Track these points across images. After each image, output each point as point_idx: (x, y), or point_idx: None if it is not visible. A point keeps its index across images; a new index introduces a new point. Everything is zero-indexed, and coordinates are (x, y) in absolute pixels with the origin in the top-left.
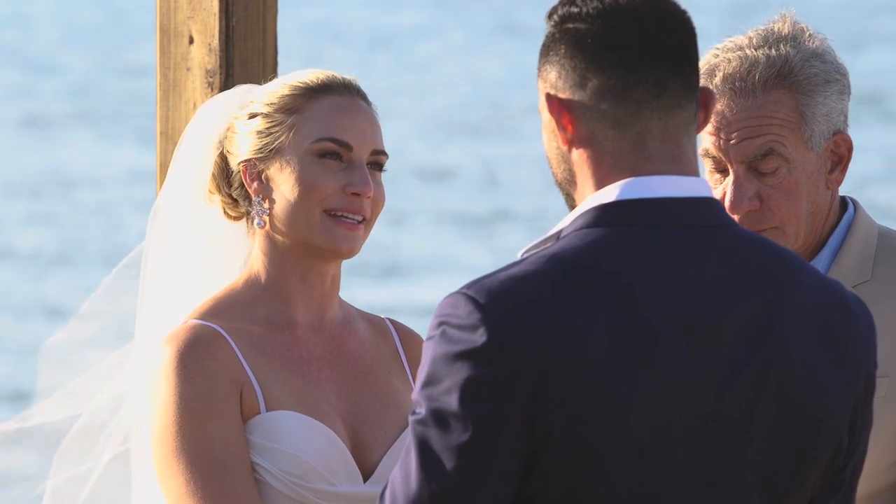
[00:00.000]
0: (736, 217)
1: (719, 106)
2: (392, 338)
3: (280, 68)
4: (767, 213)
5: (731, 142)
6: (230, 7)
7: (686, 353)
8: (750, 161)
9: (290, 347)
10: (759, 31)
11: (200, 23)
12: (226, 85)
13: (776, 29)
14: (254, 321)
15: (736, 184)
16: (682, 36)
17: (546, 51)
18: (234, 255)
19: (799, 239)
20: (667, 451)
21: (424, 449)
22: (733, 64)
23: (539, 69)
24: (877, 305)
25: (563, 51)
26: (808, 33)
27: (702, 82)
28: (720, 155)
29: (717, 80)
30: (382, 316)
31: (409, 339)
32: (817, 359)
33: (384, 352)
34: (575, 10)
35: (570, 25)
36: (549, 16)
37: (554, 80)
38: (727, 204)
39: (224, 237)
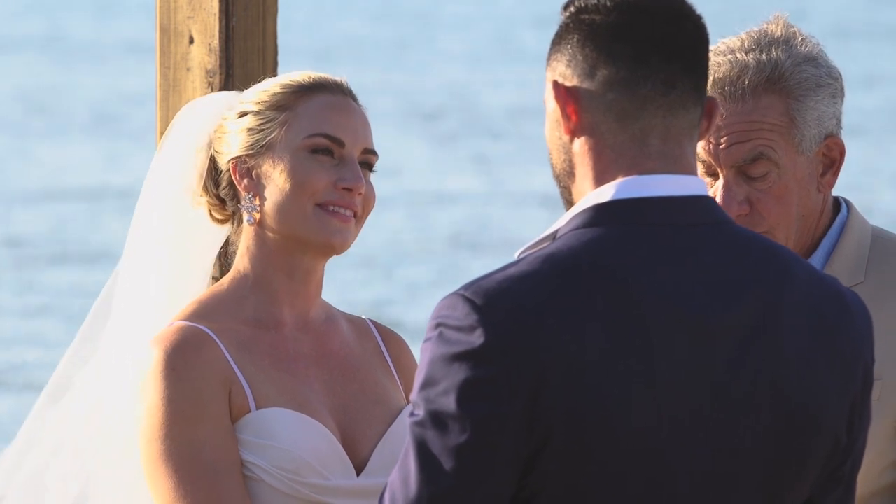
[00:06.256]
0: None
1: None
2: (374, 337)
3: (280, 68)
4: (757, 218)
5: (721, 146)
6: (230, 7)
7: (683, 352)
8: (739, 165)
9: (277, 346)
10: (752, 34)
11: (200, 23)
12: (226, 85)
13: (769, 31)
14: (241, 320)
15: (726, 188)
16: (696, 39)
17: (558, 41)
18: (204, 257)
19: (790, 243)
20: (664, 450)
21: (423, 451)
22: (724, 68)
23: (549, 60)
24: (870, 307)
25: (575, 40)
26: (800, 37)
27: None
28: (710, 159)
29: (708, 84)
30: (363, 317)
31: (391, 338)
32: (813, 356)
33: (367, 350)
34: (592, 2)
35: (585, 16)
36: (565, 7)
37: (563, 68)
38: None
39: (198, 242)
